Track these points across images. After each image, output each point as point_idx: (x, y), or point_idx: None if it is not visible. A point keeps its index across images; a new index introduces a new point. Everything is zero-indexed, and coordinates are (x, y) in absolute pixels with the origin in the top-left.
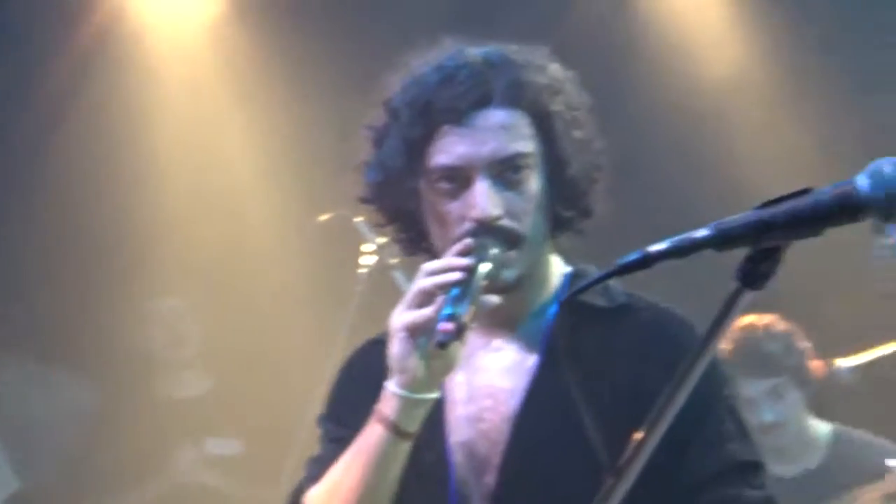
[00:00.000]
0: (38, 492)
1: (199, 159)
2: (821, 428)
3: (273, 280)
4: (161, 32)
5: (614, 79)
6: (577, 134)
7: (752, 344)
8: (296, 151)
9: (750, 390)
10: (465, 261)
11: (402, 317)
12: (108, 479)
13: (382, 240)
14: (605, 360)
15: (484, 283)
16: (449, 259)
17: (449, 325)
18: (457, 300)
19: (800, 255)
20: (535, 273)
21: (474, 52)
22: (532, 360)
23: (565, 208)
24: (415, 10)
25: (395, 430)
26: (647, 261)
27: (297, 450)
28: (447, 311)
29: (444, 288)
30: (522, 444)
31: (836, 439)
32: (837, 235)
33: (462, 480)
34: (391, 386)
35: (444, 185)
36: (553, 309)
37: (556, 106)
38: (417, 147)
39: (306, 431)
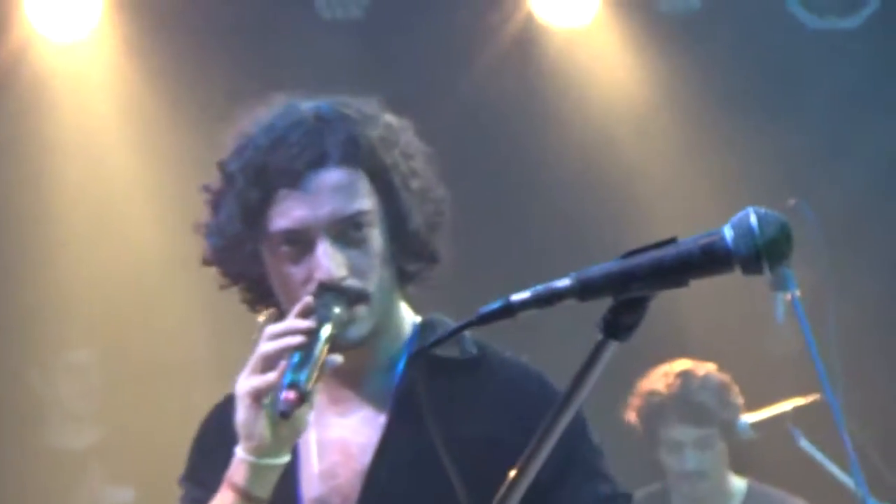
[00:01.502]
0: None
1: (100, 207)
2: (737, 482)
3: (171, 327)
4: (62, 77)
5: (516, 123)
6: (415, 184)
7: (687, 391)
8: (199, 197)
9: (679, 435)
10: (305, 323)
11: (246, 382)
12: None
13: None
14: (458, 413)
15: (326, 345)
16: (290, 322)
17: (290, 395)
18: (298, 367)
19: (703, 311)
20: (383, 326)
21: (306, 108)
22: (383, 414)
23: (409, 261)
24: (319, 58)
25: (247, 497)
26: (510, 310)
27: None
28: (288, 378)
29: (287, 352)
30: (374, 500)
31: (750, 494)
32: (741, 291)
33: None
34: (240, 452)
35: (286, 249)
36: (403, 361)
37: (392, 159)
38: (255, 212)
39: None
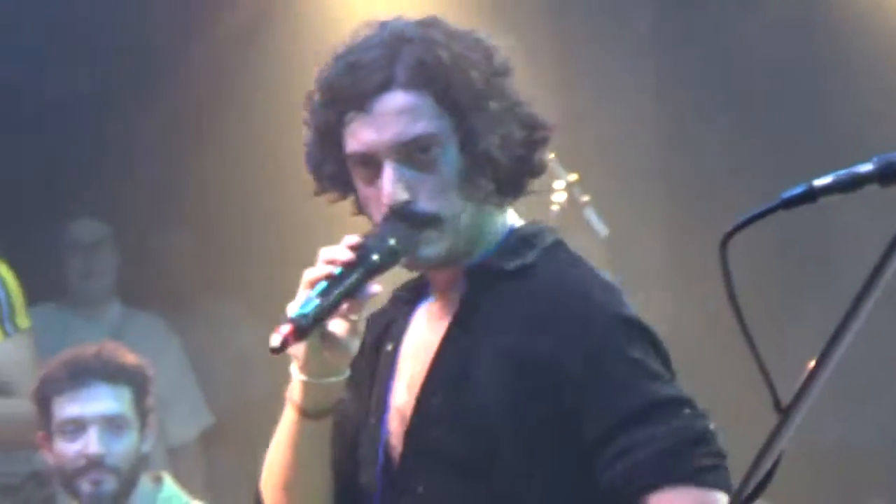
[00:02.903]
0: (230, 427)
1: None
2: None
3: None
4: None
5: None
6: (493, 104)
7: None
8: None
9: None
10: (346, 254)
11: (293, 303)
12: None
13: (573, 177)
14: (499, 326)
15: (360, 279)
16: (335, 248)
17: (284, 329)
18: (310, 300)
19: None
20: (471, 243)
21: (380, 31)
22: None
23: (484, 181)
24: None
25: (305, 413)
26: (812, 194)
27: None
28: (294, 312)
29: (322, 279)
30: (422, 411)
31: None
32: None
33: (392, 445)
34: (293, 369)
35: (361, 171)
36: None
37: (465, 80)
38: (330, 134)
39: None
